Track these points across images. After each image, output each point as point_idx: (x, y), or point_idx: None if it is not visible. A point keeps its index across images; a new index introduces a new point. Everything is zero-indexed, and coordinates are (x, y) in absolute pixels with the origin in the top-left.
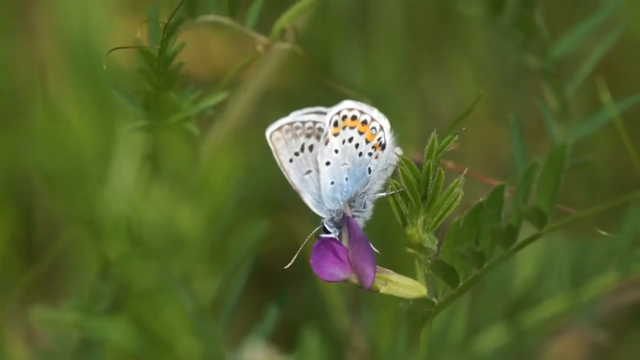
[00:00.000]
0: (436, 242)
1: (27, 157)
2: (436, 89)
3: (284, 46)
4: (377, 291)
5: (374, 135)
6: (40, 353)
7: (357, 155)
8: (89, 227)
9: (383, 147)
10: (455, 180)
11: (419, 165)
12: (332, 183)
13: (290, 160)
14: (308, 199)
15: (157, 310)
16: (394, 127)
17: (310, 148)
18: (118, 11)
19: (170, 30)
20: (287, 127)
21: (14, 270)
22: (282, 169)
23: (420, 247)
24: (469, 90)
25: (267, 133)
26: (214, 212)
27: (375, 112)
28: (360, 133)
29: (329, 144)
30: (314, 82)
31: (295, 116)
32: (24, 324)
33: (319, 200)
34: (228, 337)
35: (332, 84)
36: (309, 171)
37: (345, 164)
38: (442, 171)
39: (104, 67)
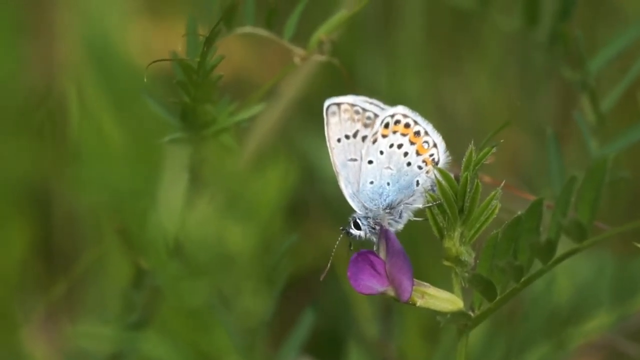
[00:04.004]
0: (473, 255)
1: (56, 166)
2: (454, 92)
3: (321, 58)
4: (414, 304)
5: (427, 150)
6: None
7: (405, 165)
8: (131, 243)
9: (436, 164)
10: (493, 193)
11: (456, 177)
12: (372, 183)
13: (339, 140)
14: (344, 187)
15: (205, 328)
16: None
17: (363, 139)
18: (134, 13)
19: (210, 43)
20: (346, 106)
21: (34, 276)
22: (327, 144)
23: (457, 260)
24: (486, 93)
25: (325, 104)
26: (264, 229)
27: (430, 127)
28: (412, 143)
29: (376, 143)
30: (338, 89)
31: (358, 100)
32: (47, 334)
33: (355, 194)
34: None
35: (365, 95)
36: (354, 159)
37: (389, 168)
38: (480, 183)
39: (145, 80)
